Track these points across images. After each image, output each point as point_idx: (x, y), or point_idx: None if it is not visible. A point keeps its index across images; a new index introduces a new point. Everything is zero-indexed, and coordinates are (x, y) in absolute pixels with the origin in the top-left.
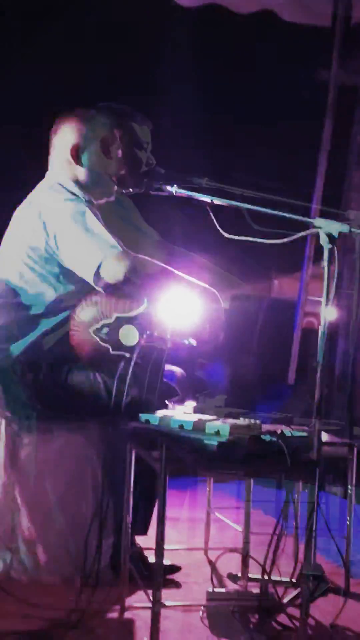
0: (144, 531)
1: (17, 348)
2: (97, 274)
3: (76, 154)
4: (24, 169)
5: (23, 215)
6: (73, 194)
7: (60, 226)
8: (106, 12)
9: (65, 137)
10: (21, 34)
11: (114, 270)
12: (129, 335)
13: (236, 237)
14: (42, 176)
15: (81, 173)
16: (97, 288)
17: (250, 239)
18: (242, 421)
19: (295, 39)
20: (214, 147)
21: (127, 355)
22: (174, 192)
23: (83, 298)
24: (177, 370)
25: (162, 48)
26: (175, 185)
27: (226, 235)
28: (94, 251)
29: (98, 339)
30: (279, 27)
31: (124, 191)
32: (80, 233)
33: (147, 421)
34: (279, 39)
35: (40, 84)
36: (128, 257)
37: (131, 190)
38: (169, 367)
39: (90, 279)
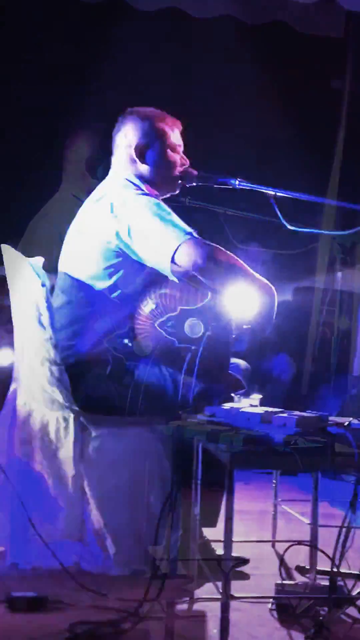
0: (212, 524)
1: (83, 345)
2: (173, 260)
3: (140, 152)
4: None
5: (91, 211)
6: (142, 190)
7: (135, 217)
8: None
9: (128, 135)
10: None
11: (191, 256)
12: (195, 328)
13: (300, 229)
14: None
15: (146, 171)
16: (170, 277)
17: (315, 230)
18: (308, 413)
19: (308, 49)
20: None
21: (193, 347)
22: (237, 185)
23: (147, 293)
24: (242, 362)
25: (173, 58)
26: (238, 179)
27: (290, 227)
28: (170, 238)
29: (163, 332)
30: (292, 38)
31: (187, 185)
32: (156, 221)
33: (214, 414)
34: (291, 49)
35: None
36: (205, 243)
37: (194, 184)
38: (234, 359)
39: (166, 265)
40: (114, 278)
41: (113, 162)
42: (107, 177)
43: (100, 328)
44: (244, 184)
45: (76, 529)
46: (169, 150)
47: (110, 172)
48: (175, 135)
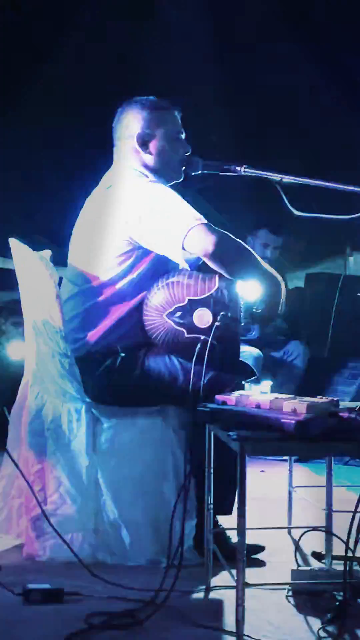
0: (228, 511)
1: (93, 336)
2: (183, 247)
3: (142, 142)
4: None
5: (99, 201)
6: (149, 178)
7: (144, 205)
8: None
9: (129, 126)
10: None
11: (201, 242)
12: (203, 318)
13: (307, 215)
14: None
15: (150, 160)
16: (180, 263)
17: (321, 215)
18: (319, 399)
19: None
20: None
21: (202, 337)
22: (242, 172)
23: (154, 283)
24: (254, 350)
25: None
26: (244, 166)
27: (296, 213)
28: (179, 222)
29: (172, 323)
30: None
31: (192, 173)
32: (165, 208)
33: (224, 402)
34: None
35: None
36: (215, 230)
37: (199, 171)
38: (245, 347)
39: (176, 251)
40: (123, 267)
41: (115, 152)
42: (112, 167)
43: (107, 320)
44: (249, 170)
45: (91, 520)
46: (171, 139)
47: (115, 162)
48: (176, 123)
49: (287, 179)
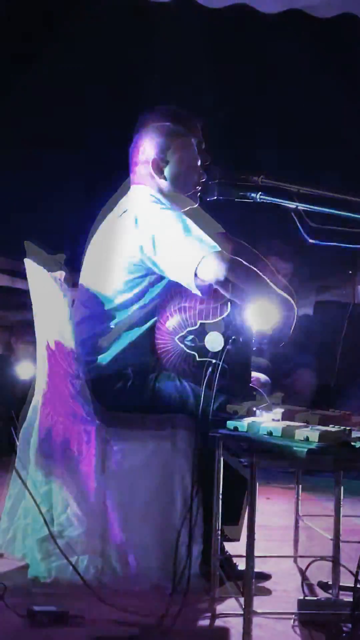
0: (235, 538)
1: (104, 359)
2: (196, 274)
3: (157, 167)
4: None
5: (114, 225)
6: (164, 204)
7: (159, 231)
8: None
9: (145, 151)
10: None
11: (215, 270)
12: (215, 342)
13: (321, 243)
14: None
15: (165, 185)
16: (193, 290)
17: (336, 244)
18: (332, 428)
19: (329, 34)
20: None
21: (214, 361)
22: (258, 199)
23: (167, 307)
24: (262, 376)
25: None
26: (259, 193)
27: (310, 240)
28: (193, 251)
29: (184, 347)
30: (310, 26)
31: (208, 199)
32: (179, 235)
33: (236, 428)
34: (310, 37)
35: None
36: (227, 257)
37: (215, 197)
38: (254, 373)
39: (189, 278)
40: (135, 291)
41: (132, 177)
42: (129, 192)
43: (119, 344)
44: (265, 197)
45: (97, 543)
46: (186, 165)
47: (132, 187)
48: (192, 149)
49: (303, 206)
